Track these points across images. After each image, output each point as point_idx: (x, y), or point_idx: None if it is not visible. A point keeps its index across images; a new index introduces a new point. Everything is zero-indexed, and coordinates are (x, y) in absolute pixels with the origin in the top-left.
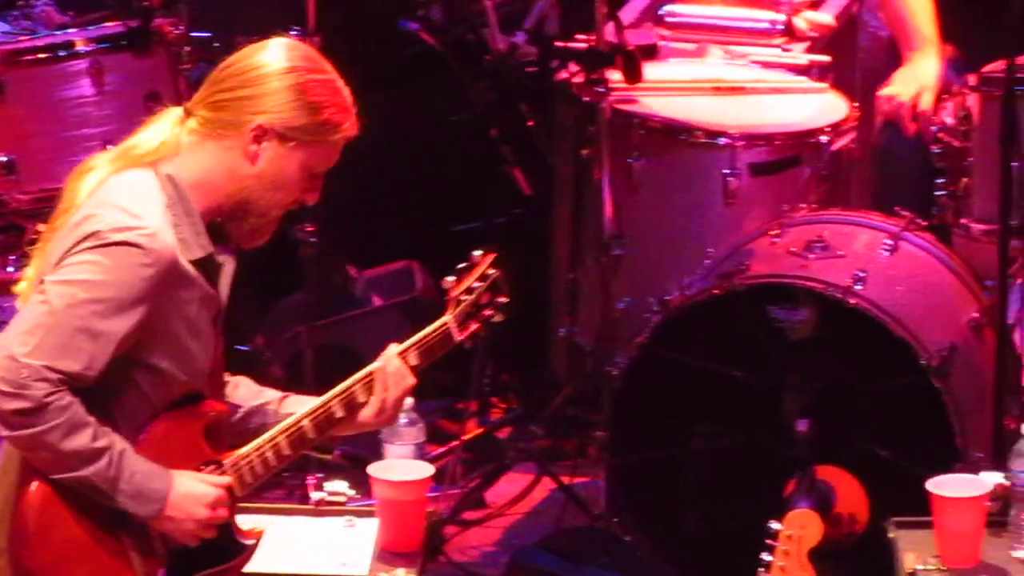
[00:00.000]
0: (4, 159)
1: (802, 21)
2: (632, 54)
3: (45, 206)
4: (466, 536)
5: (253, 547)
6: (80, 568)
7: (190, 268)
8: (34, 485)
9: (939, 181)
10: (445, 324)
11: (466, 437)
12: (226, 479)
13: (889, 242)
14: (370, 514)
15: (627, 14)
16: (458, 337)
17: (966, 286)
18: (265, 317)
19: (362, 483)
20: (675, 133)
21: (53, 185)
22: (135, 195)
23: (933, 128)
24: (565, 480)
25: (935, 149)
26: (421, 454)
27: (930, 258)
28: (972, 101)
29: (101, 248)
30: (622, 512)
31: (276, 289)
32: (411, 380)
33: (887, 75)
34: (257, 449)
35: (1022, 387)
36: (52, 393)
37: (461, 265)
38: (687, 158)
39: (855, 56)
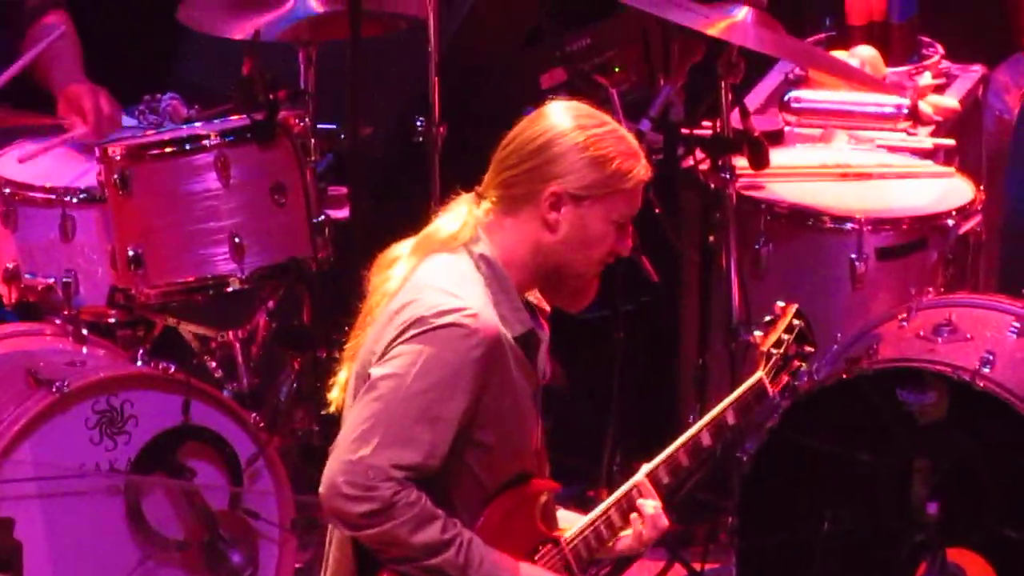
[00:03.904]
0: (131, 253)
1: (927, 105)
2: (758, 140)
3: (172, 300)
4: None
5: None
6: None
7: (514, 344)
8: None
9: None
10: (760, 380)
11: None
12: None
13: (1017, 324)
14: None
15: (752, 100)
16: (772, 392)
17: None
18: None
19: None
20: (802, 218)
21: (180, 279)
22: (453, 276)
23: None
24: (696, 566)
25: None
26: None
27: None
28: None
29: (427, 333)
30: None
31: None
32: (664, 524)
33: (1012, 158)
34: (591, 524)
35: None
36: (399, 491)
37: (767, 319)
38: (814, 243)
39: (980, 139)
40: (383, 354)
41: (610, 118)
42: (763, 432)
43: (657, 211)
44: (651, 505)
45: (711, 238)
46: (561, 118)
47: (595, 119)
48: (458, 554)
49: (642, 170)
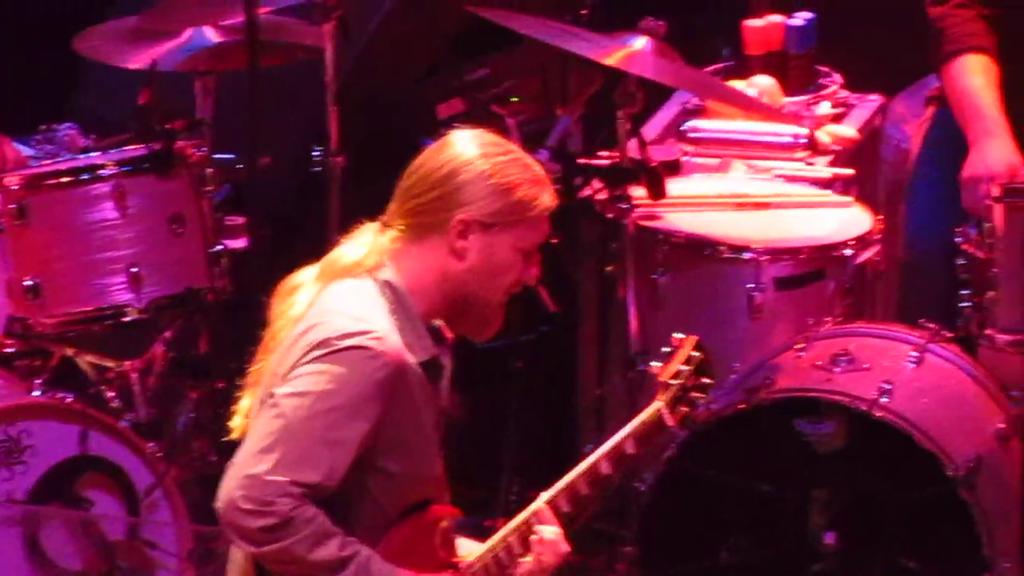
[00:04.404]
0: (29, 283)
1: (825, 135)
2: (655, 170)
3: (70, 330)
4: None
5: None
6: None
7: (418, 370)
8: None
9: (964, 292)
10: (658, 410)
11: None
12: None
13: (915, 354)
14: None
15: (650, 130)
16: (670, 423)
17: (992, 397)
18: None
19: None
20: (699, 248)
21: (78, 308)
22: (358, 301)
23: (958, 240)
24: None
25: (959, 261)
26: None
27: (956, 369)
28: (996, 212)
29: (331, 355)
30: None
31: None
32: (564, 549)
33: (911, 188)
34: (491, 550)
35: None
36: (297, 507)
37: (665, 349)
38: (711, 273)
39: (878, 169)
40: (286, 375)
41: (516, 146)
42: (661, 462)
43: (554, 241)
44: (550, 531)
45: (609, 268)
46: (466, 146)
47: (500, 147)
48: (358, 571)
49: (548, 198)
